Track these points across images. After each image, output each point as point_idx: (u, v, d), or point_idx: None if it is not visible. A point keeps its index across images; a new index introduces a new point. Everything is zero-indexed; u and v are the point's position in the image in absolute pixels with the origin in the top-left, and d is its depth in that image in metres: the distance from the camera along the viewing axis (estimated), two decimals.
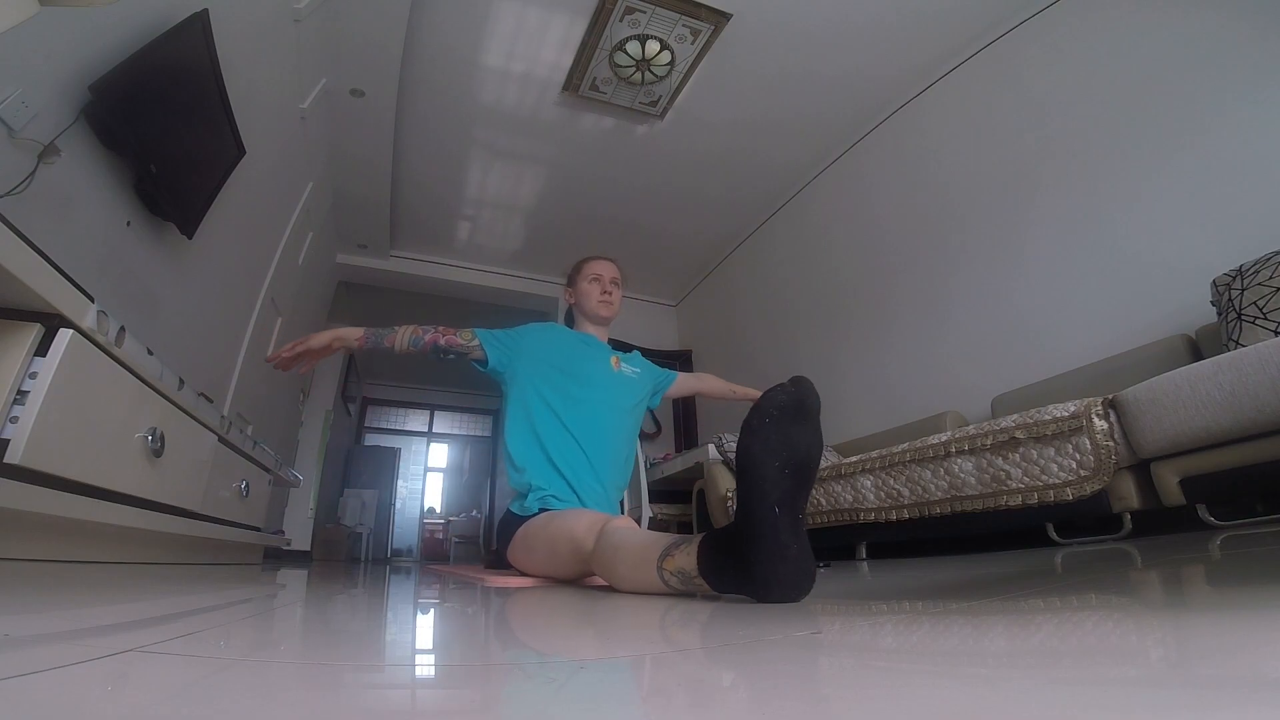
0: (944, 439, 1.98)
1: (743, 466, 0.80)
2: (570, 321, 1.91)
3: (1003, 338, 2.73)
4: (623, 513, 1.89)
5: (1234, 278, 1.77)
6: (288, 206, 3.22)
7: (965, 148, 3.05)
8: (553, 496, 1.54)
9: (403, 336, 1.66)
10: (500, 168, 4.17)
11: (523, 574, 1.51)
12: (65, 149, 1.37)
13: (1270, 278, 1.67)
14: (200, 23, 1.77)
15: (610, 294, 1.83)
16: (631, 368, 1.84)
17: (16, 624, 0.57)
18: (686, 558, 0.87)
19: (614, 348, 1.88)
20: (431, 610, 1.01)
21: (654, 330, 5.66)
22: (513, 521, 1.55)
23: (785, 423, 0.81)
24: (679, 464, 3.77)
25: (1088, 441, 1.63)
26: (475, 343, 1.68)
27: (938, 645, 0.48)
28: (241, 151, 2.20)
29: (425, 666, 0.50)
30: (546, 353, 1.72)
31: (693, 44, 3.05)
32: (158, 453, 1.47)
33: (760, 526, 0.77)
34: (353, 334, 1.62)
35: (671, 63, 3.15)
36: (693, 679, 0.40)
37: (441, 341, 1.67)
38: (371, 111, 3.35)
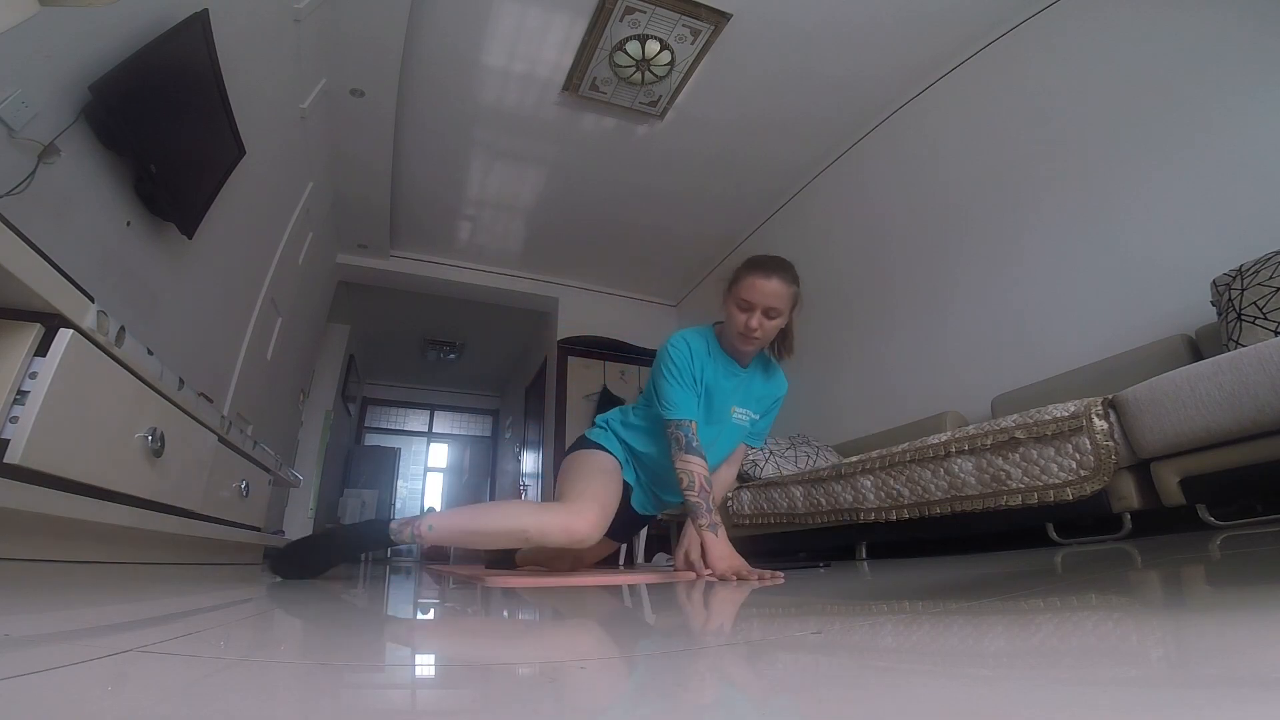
0: (944, 439, 1.98)
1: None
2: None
3: (1003, 337, 2.73)
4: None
5: (1234, 278, 1.77)
6: (288, 206, 3.21)
7: (965, 148, 3.05)
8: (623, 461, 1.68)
9: (707, 490, 1.49)
10: (501, 168, 4.17)
11: (519, 568, 1.54)
12: (65, 149, 1.37)
13: (1270, 278, 1.67)
14: (200, 23, 1.77)
15: (757, 329, 1.50)
16: (747, 413, 1.71)
17: (16, 624, 0.57)
18: None
19: (764, 370, 1.75)
20: (431, 610, 1.01)
21: (654, 330, 5.66)
22: (583, 443, 1.74)
23: None
24: None
25: (1088, 441, 1.63)
26: (692, 426, 1.53)
27: (938, 645, 0.48)
28: (241, 151, 2.20)
29: (425, 666, 0.50)
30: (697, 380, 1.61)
31: (693, 44, 3.05)
32: (158, 453, 1.47)
33: None
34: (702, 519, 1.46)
35: (671, 63, 3.15)
36: (693, 679, 0.40)
37: (703, 483, 1.49)
38: (371, 111, 3.35)
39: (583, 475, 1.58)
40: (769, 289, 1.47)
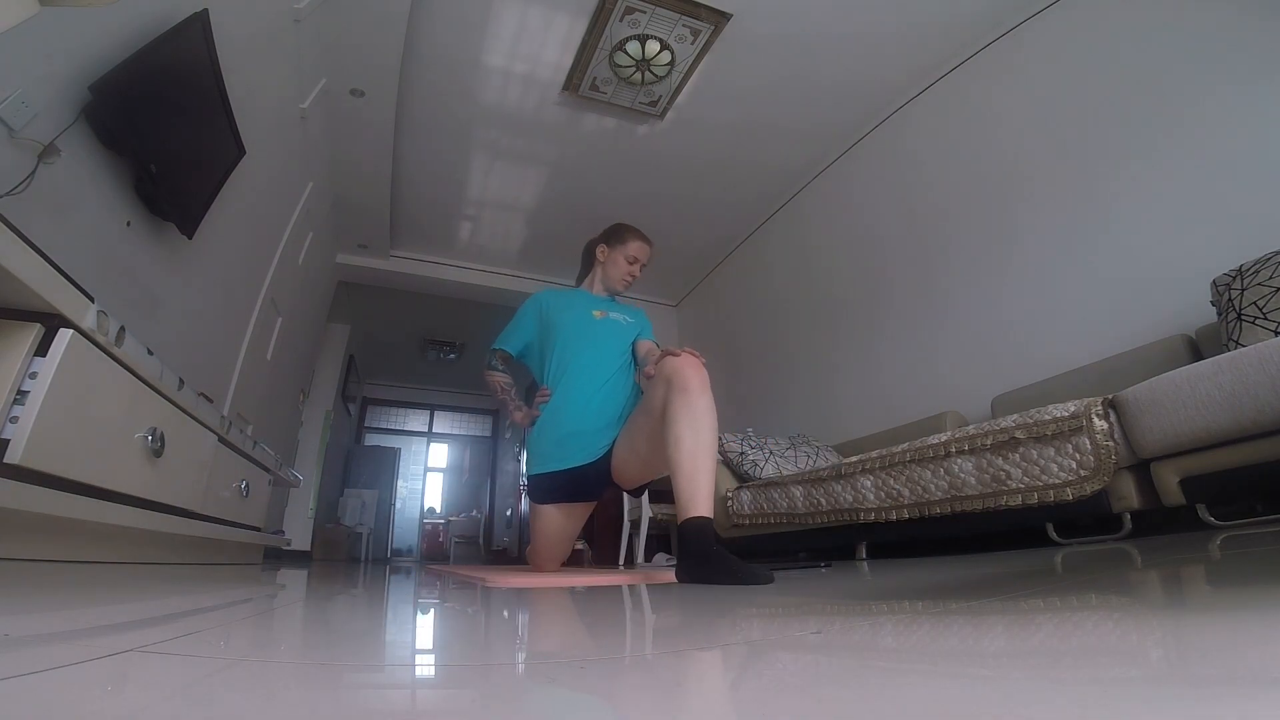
0: (944, 439, 1.98)
1: None
2: (588, 268, 2.14)
3: (1002, 337, 2.73)
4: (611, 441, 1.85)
5: (1234, 278, 1.77)
6: (288, 207, 3.21)
7: (964, 148, 3.05)
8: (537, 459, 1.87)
9: (507, 390, 2.09)
10: (501, 167, 4.17)
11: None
12: (65, 149, 1.37)
13: (1270, 278, 1.67)
14: (200, 23, 1.77)
15: (636, 277, 2.08)
16: (622, 316, 2.01)
17: (16, 624, 0.57)
18: None
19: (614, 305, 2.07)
20: (431, 610, 1.01)
21: (654, 330, 5.65)
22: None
23: None
24: None
25: (1088, 441, 1.63)
26: (499, 366, 2.08)
27: (938, 645, 0.48)
28: (241, 151, 2.20)
29: (425, 666, 0.50)
30: (539, 324, 2.00)
31: (693, 44, 3.05)
32: (158, 453, 1.47)
33: None
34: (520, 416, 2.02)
35: (671, 63, 3.15)
36: (694, 679, 0.40)
37: (502, 386, 2.09)
38: (371, 111, 3.35)
39: (533, 534, 1.99)
40: (647, 251, 2.06)
